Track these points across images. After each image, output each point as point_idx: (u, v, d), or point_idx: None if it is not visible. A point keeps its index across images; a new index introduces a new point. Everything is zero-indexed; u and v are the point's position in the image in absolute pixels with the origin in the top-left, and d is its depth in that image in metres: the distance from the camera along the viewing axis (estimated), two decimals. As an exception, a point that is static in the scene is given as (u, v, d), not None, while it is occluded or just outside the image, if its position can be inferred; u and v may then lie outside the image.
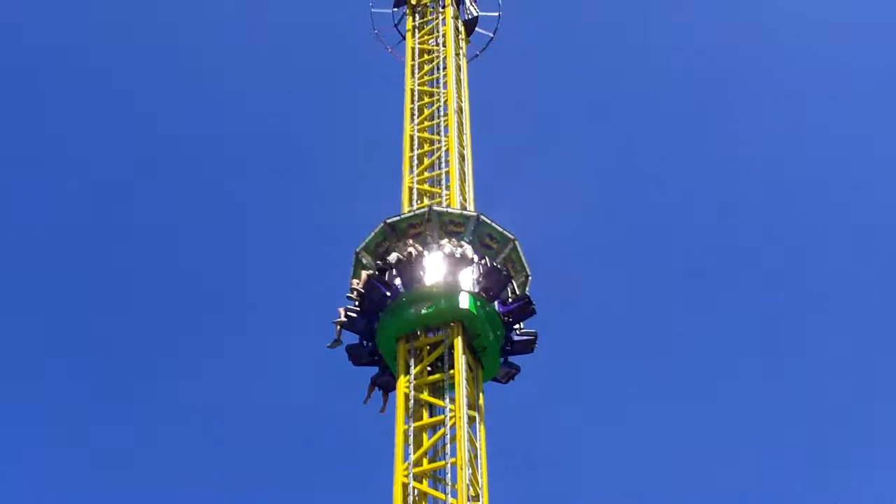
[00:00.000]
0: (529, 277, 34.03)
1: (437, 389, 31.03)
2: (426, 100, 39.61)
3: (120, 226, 77.09)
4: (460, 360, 30.82)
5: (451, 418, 29.78)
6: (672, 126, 76.82)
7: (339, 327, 32.79)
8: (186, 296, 76.32)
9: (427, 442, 30.36)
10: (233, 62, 77.76)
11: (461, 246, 32.78)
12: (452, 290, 31.94)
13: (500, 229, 33.77)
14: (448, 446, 29.81)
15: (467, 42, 43.12)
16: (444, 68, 40.29)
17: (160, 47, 78.66)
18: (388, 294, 32.38)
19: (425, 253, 32.74)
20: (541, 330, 33.90)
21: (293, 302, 67.70)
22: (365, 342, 33.16)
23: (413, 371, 31.01)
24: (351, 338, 33.42)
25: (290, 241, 74.82)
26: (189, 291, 76.54)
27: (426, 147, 38.03)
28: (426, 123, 38.72)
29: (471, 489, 28.80)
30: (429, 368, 31.65)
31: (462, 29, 42.83)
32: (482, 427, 30.92)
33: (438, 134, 38.26)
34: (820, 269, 75.02)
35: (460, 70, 40.71)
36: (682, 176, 76.49)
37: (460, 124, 38.56)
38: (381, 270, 32.93)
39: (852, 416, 70.81)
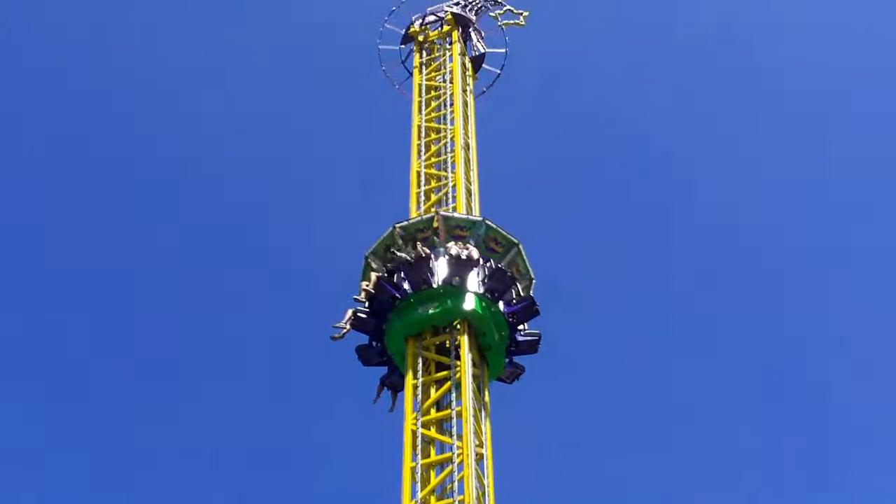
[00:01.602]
0: (533, 281, 35.01)
1: (444, 428, 31.35)
2: (433, 136, 40.13)
3: (136, 228, 78.46)
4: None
5: (458, 456, 29.99)
6: (675, 159, 78.23)
7: (346, 327, 33.71)
8: (198, 299, 77.55)
9: (434, 480, 30.56)
10: (243, 89, 79.18)
11: (467, 248, 33.90)
12: (459, 291, 33.07)
13: (505, 233, 34.92)
14: (456, 484, 29.92)
15: (474, 79, 43.85)
16: (451, 105, 40.82)
17: (186, 73, 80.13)
18: (397, 295, 33.47)
19: (432, 256, 33.83)
20: (544, 333, 34.87)
21: (304, 305, 68.85)
22: (374, 343, 34.16)
23: (420, 407, 31.43)
24: (360, 338, 34.42)
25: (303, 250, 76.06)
26: (203, 294, 77.89)
27: (433, 183, 38.58)
28: (433, 160, 39.19)
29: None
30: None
31: (469, 66, 43.72)
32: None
33: (445, 170, 38.70)
34: (823, 272, 76.34)
35: (467, 106, 41.27)
36: (682, 218, 77.98)
37: (467, 160, 39.07)
38: (390, 273, 34.05)
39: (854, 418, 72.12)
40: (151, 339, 77.05)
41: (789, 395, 74.53)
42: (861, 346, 73.63)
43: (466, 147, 39.53)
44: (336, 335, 33.70)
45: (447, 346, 32.48)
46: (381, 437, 34.23)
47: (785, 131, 77.25)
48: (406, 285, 33.59)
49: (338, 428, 66.96)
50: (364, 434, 57.27)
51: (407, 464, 30.41)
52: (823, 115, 77.44)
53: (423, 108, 41.27)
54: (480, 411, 31.23)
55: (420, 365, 32.20)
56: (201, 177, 79.45)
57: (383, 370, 34.36)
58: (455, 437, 30.37)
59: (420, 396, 31.64)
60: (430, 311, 32.94)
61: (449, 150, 39.30)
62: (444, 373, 32.03)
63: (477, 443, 30.40)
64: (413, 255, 33.79)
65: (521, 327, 34.22)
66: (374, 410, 34.41)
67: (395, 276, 33.94)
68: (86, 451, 74.45)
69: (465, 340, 32.21)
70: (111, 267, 77.26)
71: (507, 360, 34.10)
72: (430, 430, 31.17)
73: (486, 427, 31.30)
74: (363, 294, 33.82)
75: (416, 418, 31.15)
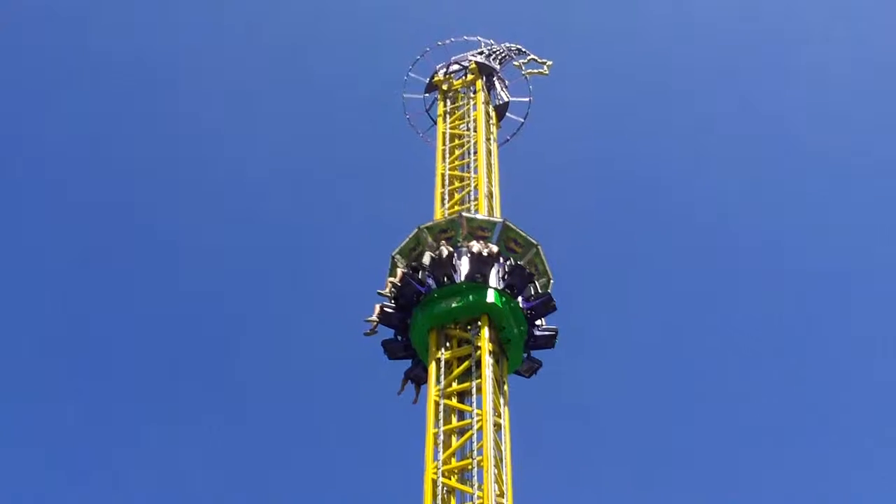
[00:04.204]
0: (551, 281, 36.72)
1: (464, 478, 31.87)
2: (457, 184, 40.95)
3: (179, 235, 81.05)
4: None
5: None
6: (699, 208, 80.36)
7: (374, 324, 35.61)
8: (231, 297, 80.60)
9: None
10: (267, 134, 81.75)
11: (488, 247, 35.76)
12: (480, 286, 34.83)
13: (525, 235, 36.71)
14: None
15: (498, 127, 44.69)
16: (475, 153, 41.51)
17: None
18: (422, 290, 35.27)
19: (455, 254, 35.69)
20: (562, 332, 36.48)
21: (335, 303, 71.13)
22: (399, 337, 35.89)
23: (441, 456, 31.69)
24: (386, 334, 36.17)
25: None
26: (234, 292, 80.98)
27: (457, 231, 39.38)
28: (457, 207, 39.76)
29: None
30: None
31: (493, 114, 44.59)
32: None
33: (469, 218, 39.34)
34: (825, 272, 77.96)
35: (491, 155, 42.00)
36: (699, 255, 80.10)
37: (491, 209, 39.93)
38: (416, 270, 35.94)
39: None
40: (180, 334, 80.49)
41: (798, 394, 76.88)
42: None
43: (490, 195, 40.42)
44: (367, 331, 35.54)
45: (468, 393, 33.28)
46: (404, 427, 35.86)
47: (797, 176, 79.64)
48: (430, 281, 35.36)
49: (364, 417, 68.92)
50: (388, 423, 59.37)
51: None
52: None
53: (447, 156, 41.93)
54: (501, 461, 31.95)
55: (441, 413, 32.81)
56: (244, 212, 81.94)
57: (408, 364, 35.96)
58: (476, 486, 30.89)
59: (441, 446, 32.01)
60: (454, 305, 34.62)
61: (472, 198, 40.04)
62: (466, 421, 32.81)
63: (497, 492, 31.04)
64: (437, 253, 35.63)
65: (538, 322, 35.83)
66: (399, 401, 36.06)
67: (420, 272, 35.73)
68: (101, 444, 77.07)
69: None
70: (141, 263, 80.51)
71: (525, 354, 35.60)
72: (450, 479, 31.66)
73: (507, 476, 31.82)
74: (389, 288, 35.64)
75: (436, 467, 31.61)
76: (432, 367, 33.68)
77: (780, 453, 73.83)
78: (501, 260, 35.73)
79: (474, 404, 32.67)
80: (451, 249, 35.79)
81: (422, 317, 35.01)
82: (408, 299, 35.46)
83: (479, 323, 34.30)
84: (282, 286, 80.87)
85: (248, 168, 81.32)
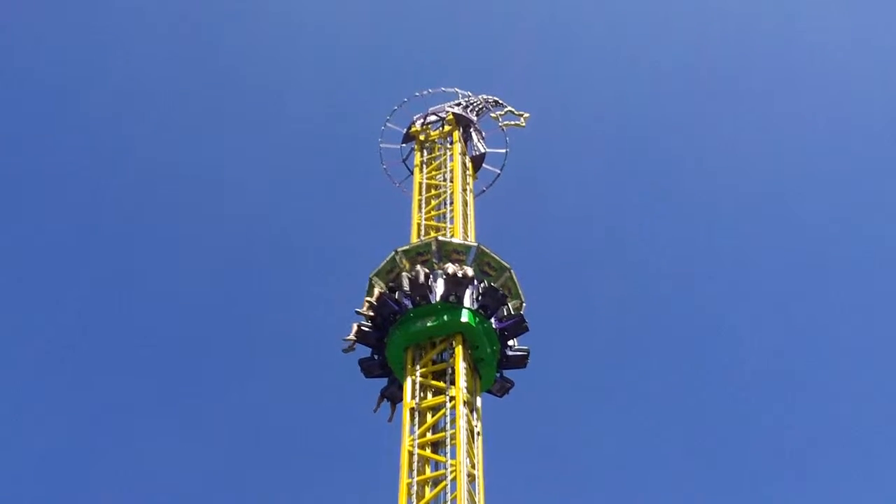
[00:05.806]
0: (524, 304, 37.91)
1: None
2: (433, 234, 41.00)
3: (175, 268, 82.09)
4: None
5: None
6: (676, 259, 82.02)
7: (352, 342, 36.74)
8: (222, 318, 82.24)
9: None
10: (246, 183, 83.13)
11: (463, 269, 36.94)
12: (454, 306, 35.96)
13: (498, 258, 37.93)
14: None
15: (474, 178, 45.37)
16: (451, 204, 42.07)
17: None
18: (398, 309, 36.39)
19: (431, 276, 36.86)
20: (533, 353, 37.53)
21: (314, 323, 72.14)
22: (375, 356, 36.88)
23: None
24: (364, 353, 37.19)
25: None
26: (223, 312, 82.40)
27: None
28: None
29: None
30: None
31: (469, 165, 45.34)
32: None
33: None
34: (823, 289, 79.89)
35: (467, 206, 42.66)
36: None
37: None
38: (392, 290, 37.05)
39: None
40: (170, 343, 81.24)
41: (774, 399, 78.32)
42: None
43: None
44: (346, 347, 36.58)
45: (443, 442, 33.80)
46: (379, 445, 36.78)
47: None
48: (406, 301, 36.44)
49: (341, 434, 70.23)
50: (365, 441, 60.04)
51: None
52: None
53: (424, 206, 42.38)
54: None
55: (415, 463, 33.14)
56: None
57: (384, 382, 36.86)
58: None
59: (414, 497, 32.37)
60: (429, 324, 35.72)
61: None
62: (440, 472, 32.97)
63: None
64: (413, 274, 36.80)
65: (511, 343, 36.91)
66: (375, 419, 36.89)
67: (397, 293, 36.83)
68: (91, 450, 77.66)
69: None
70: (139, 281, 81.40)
71: (497, 374, 36.64)
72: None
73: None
74: (366, 306, 36.72)
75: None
76: (406, 417, 34.14)
77: (750, 474, 74.92)
78: (476, 282, 36.83)
79: (448, 454, 33.17)
80: (426, 271, 36.89)
81: (397, 335, 36.02)
82: (385, 318, 36.50)
83: (454, 372, 34.51)
84: (264, 308, 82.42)
85: (231, 198, 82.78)
